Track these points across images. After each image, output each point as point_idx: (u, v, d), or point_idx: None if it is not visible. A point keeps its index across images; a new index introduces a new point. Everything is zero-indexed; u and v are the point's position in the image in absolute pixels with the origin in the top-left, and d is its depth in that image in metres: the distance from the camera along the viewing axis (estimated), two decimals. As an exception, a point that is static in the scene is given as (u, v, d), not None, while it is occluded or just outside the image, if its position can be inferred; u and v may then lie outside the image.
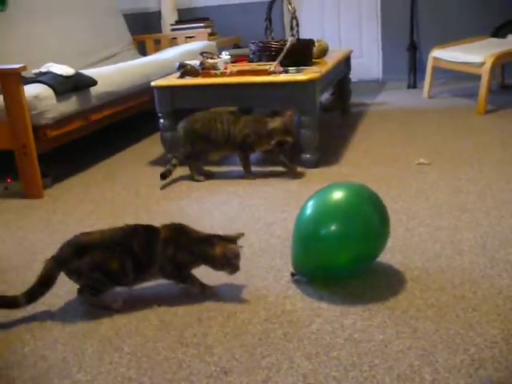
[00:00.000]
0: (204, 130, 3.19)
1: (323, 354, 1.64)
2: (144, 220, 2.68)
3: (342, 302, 1.91)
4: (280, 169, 3.30)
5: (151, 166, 3.67)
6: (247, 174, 3.26)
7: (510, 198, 2.67)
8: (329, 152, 3.61)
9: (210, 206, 2.87)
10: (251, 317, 1.86)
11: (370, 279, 2.03)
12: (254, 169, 3.33)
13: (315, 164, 3.33)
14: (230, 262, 1.92)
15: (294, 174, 3.22)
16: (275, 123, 3.13)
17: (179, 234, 1.99)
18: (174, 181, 3.30)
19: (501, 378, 1.47)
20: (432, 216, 2.54)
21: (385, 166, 3.26)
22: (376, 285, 1.99)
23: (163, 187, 3.23)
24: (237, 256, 1.93)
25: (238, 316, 1.87)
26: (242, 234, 2.01)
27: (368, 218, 1.96)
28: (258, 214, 2.72)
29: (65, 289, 2.06)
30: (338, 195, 1.99)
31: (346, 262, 1.96)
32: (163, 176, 3.24)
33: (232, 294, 2.01)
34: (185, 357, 1.68)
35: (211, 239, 1.96)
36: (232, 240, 1.97)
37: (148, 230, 2.00)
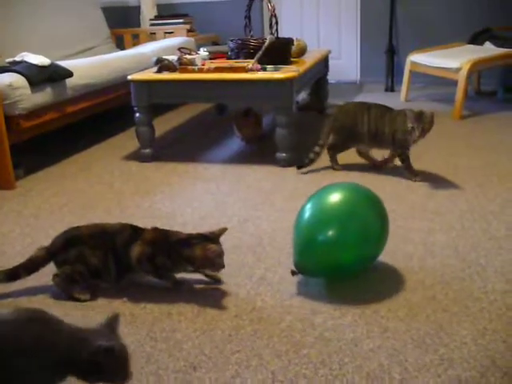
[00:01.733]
0: (350, 122, 3.14)
1: (293, 351, 1.64)
2: (116, 215, 2.66)
3: (313, 300, 1.90)
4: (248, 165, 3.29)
5: (126, 160, 3.63)
6: (410, 175, 3.08)
7: (483, 202, 2.69)
8: (303, 151, 3.60)
9: (183, 202, 2.85)
10: (221, 313, 1.85)
11: (342, 278, 2.02)
12: (232, 165, 3.32)
13: (290, 163, 3.33)
14: (212, 262, 1.89)
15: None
16: (412, 123, 2.89)
17: (160, 237, 1.96)
18: (148, 177, 3.27)
19: (469, 378, 1.48)
20: (406, 218, 2.55)
21: (359, 167, 3.27)
22: (347, 284, 1.99)
23: (304, 173, 3.24)
24: (219, 254, 1.89)
25: (208, 312, 1.86)
26: (225, 229, 1.98)
27: (367, 220, 1.94)
28: (231, 211, 2.71)
29: (31, 280, 2.02)
30: (335, 198, 1.95)
31: (345, 262, 1.93)
32: (300, 167, 3.25)
33: (202, 290, 2.00)
34: (153, 351, 1.67)
35: (191, 240, 1.92)
36: (214, 237, 1.93)
37: (134, 230, 1.99)
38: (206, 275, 2.04)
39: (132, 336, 1.74)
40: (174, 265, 1.94)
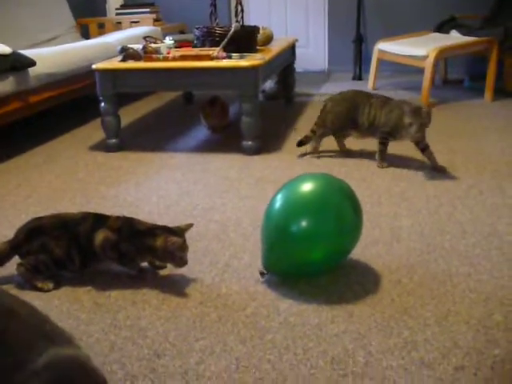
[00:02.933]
0: (353, 109, 3.11)
1: (257, 337, 1.63)
2: (81, 204, 2.63)
3: (278, 286, 1.89)
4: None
5: (92, 150, 3.59)
6: (379, 160, 3.10)
7: (449, 186, 2.71)
8: (270, 140, 3.61)
9: (148, 191, 2.83)
10: (186, 300, 1.83)
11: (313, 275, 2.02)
12: (198, 153, 3.31)
13: (256, 151, 3.32)
14: (173, 255, 1.86)
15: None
16: (410, 119, 2.85)
17: (125, 224, 1.93)
18: (114, 166, 3.24)
19: (431, 359, 1.48)
20: (372, 203, 2.55)
21: (326, 154, 3.27)
22: (313, 269, 1.99)
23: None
24: (180, 248, 1.86)
25: (173, 299, 1.84)
26: (191, 225, 1.96)
27: (341, 212, 1.84)
28: (197, 199, 2.69)
29: (-6, 271, 2.00)
30: (307, 188, 1.85)
31: (318, 258, 1.85)
32: (300, 143, 3.26)
33: (167, 278, 1.98)
34: (117, 339, 1.65)
35: (154, 231, 1.90)
36: (179, 231, 1.91)
37: (97, 219, 1.96)
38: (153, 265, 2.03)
39: (96, 325, 1.72)
40: (137, 253, 1.92)
